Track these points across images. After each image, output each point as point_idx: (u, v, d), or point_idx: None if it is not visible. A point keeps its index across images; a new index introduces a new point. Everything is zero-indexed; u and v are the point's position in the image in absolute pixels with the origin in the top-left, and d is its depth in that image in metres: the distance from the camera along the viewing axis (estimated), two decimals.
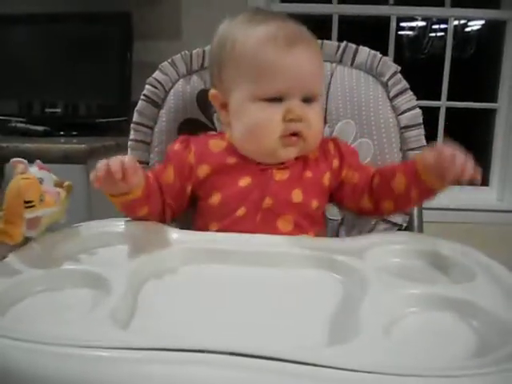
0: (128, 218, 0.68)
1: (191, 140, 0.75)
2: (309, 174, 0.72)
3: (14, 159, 0.60)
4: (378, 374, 0.34)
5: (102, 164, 0.59)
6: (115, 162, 0.59)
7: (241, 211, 0.70)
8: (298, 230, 0.70)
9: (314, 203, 0.72)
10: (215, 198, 0.71)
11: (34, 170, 0.61)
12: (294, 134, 0.68)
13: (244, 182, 0.71)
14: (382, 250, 0.62)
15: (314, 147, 0.73)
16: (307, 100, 0.69)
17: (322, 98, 0.72)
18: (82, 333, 0.40)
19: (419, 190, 0.66)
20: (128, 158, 0.61)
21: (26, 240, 0.58)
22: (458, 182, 0.61)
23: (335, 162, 0.75)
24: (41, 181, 0.60)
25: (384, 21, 1.92)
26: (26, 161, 0.61)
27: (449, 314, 0.48)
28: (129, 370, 0.37)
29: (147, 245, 0.60)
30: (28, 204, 0.56)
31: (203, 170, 0.72)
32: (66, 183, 0.66)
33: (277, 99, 0.67)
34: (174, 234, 0.64)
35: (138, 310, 0.48)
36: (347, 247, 0.61)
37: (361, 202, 0.74)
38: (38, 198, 0.57)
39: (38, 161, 0.63)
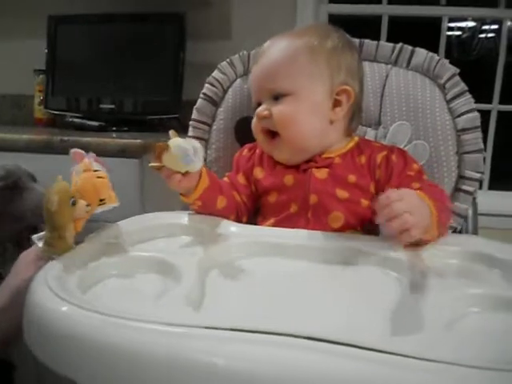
0: (191, 212, 0.71)
1: (258, 146, 0.81)
2: (352, 178, 0.73)
3: (74, 150, 0.62)
4: (454, 365, 0.35)
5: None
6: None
7: (293, 209, 0.74)
8: (348, 227, 0.72)
9: (364, 202, 0.73)
10: (270, 197, 0.76)
11: (97, 165, 0.62)
12: (270, 133, 0.75)
13: (289, 181, 0.75)
14: (439, 251, 0.62)
15: (298, 138, 0.73)
16: (277, 97, 0.73)
17: (306, 91, 0.72)
18: (159, 311, 0.43)
19: None
20: None
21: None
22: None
23: (378, 173, 0.74)
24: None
25: (430, 21, 1.88)
26: (84, 152, 0.62)
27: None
28: (205, 348, 0.39)
29: (211, 236, 0.64)
30: (101, 202, 0.59)
31: (259, 172, 0.79)
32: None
33: (259, 104, 0.76)
34: (235, 227, 0.67)
35: (206, 296, 0.51)
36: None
37: None
38: (108, 196, 0.60)
39: (93, 153, 0.63)
